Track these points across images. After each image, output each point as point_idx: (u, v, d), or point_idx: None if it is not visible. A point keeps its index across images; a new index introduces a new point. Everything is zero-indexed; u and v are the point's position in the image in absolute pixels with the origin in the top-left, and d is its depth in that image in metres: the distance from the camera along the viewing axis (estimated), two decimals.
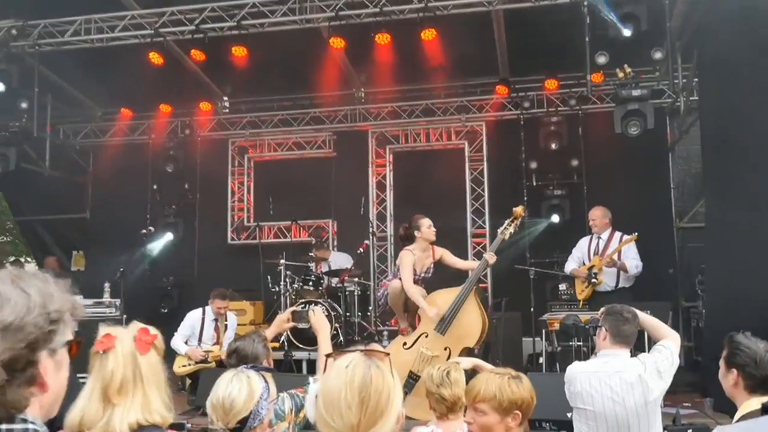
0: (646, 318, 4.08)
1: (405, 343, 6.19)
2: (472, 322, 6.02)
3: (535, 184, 10.42)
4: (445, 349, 6.04)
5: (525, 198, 10.48)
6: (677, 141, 10.14)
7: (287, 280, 9.37)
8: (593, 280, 7.27)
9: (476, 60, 10.02)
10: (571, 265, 7.81)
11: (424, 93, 10.84)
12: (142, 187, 11.53)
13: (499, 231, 6.40)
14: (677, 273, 9.89)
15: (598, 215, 7.84)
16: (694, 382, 7.32)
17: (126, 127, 11.68)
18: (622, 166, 10.01)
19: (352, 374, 1.67)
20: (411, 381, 6.00)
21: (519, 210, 6.32)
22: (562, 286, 8.22)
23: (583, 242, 7.90)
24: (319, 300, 8.90)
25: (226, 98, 11.43)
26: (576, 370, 3.89)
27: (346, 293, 9.33)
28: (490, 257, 6.20)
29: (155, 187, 11.46)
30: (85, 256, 12.06)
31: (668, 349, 3.92)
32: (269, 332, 3.92)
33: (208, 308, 7.55)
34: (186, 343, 7.44)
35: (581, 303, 7.41)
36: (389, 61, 9.72)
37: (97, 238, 11.65)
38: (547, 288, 9.92)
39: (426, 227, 6.36)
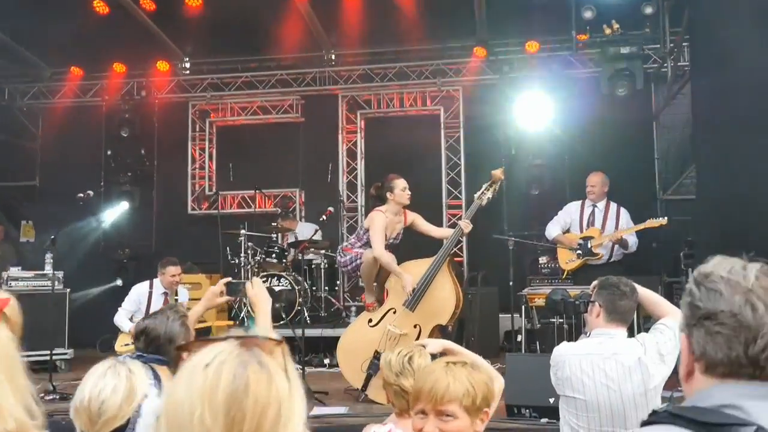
0: (646, 293, 3.54)
1: (371, 320, 5.61)
2: (444, 297, 5.45)
3: (514, 152, 9.83)
4: (415, 326, 5.47)
5: (503, 167, 9.88)
6: (662, 109, 9.61)
7: (249, 252, 8.75)
8: (591, 256, 6.63)
9: (453, 20, 9.38)
10: (554, 230, 7.07)
11: (397, 55, 10.18)
12: (96, 153, 10.75)
13: (476, 196, 5.83)
14: (660, 247, 9.42)
15: (597, 182, 7.12)
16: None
17: (77, 88, 10.86)
18: (605, 134, 9.49)
19: (215, 380, 1.04)
20: (376, 362, 5.42)
21: (498, 173, 5.75)
22: (543, 259, 7.68)
23: (573, 207, 7.22)
24: (282, 273, 8.29)
25: (187, 58, 10.64)
26: (565, 352, 3.33)
27: (312, 266, 8.73)
28: (466, 225, 5.63)
29: (109, 152, 10.68)
30: (35, 227, 11.28)
31: (671, 329, 3.37)
32: (196, 308, 3.30)
33: (156, 281, 6.88)
34: (131, 319, 6.78)
35: (565, 274, 6.81)
36: (361, 20, 9.06)
37: (48, 208, 10.87)
38: (525, 262, 9.39)
39: (400, 189, 5.72)
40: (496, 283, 8.47)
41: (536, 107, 9.68)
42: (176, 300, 6.92)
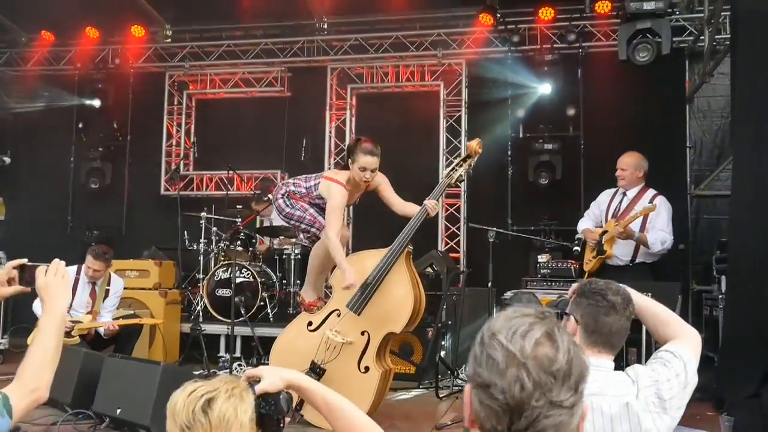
0: (647, 305, 2.40)
1: (310, 323, 4.49)
2: (399, 299, 4.31)
3: (522, 135, 8.63)
4: (363, 333, 4.34)
5: (509, 152, 8.72)
6: (697, 89, 8.29)
7: (213, 237, 7.70)
8: (603, 254, 5.40)
9: None
10: (584, 224, 5.80)
11: (394, 24, 9.03)
12: (67, 126, 9.84)
13: (444, 172, 4.67)
14: (689, 249, 8.14)
15: (629, 163, 5.73)
16: (704, 386, 5.57)
17: (50, 55, 9.94)
18: (629, 118, 8.26)
19: None
20: (313, 376, 4.30)
21: (474, 145, 4.59)
22: (542, 258, 6.45)
23: (605, 196, 5.86)
24: (244, 263, 7.21)
25: (168, 26, 9.63)
26: None
27: (284, 257, 7.65)
28: (432, 206, 4.48)
29: (80, 125, 9.74)
30: (5, 204, 10.40)
31: (680, 360, 2.22)
32: None
33: (85, 267, 5.86)
34: None
35: (585, 276, 5.56)
36: None
37: (20, 184, 10.02)
38: (530, 260, 8.21)
39: (358, 167, 4.55)
40: (500, 282, 7.34)
41: (549, 84, 8.50)
42: (107, 290, 5.89)
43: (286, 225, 7.71)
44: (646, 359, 4.06)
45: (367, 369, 4.25)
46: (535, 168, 8.46)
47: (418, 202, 9.33)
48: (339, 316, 4.39)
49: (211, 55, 9.57)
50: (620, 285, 2.34)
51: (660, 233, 5.45)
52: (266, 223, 8.16)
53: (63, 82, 9.87)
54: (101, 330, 5.57)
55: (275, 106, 9.43)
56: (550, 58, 8.47)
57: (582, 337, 2.22)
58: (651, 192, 5.69)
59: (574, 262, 6.18)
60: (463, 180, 4.70)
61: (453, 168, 4.65)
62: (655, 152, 8.19)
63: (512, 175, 8.67)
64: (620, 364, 2.30)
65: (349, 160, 4.59)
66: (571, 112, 8.45)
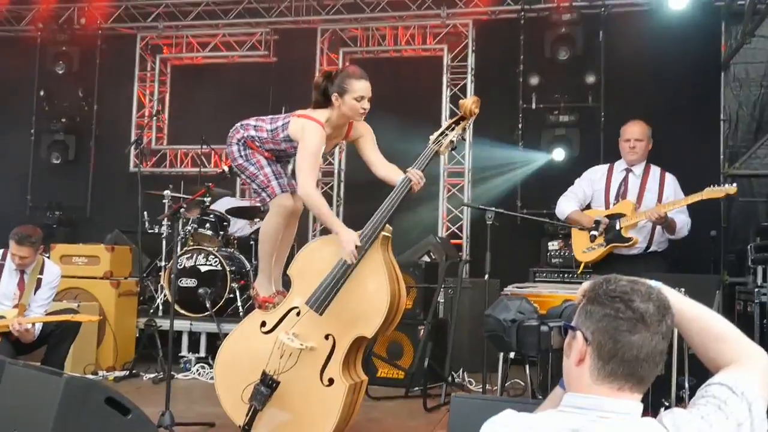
0: (693, 311, 1.61)
1: (264, 323, 3.73)
2: (371, 294, 3.54)
3: (535, 106, 7.83)
4: (327, 337, 3.58)
5: (520, 125, 7.92)
6: (734, 54, 7.45)
7: (181, 219, 6.94)
8: (620, 241, 4.57)
9: None
10: (568, 206, 4.92)
11: None
12: (27, 94, 9.12)
13: (431, 138, 3.89)
14: (720, 237, 7.35)
15: (644, 133, 4.86)
16: None
17: (8, 14, 9.19)
18: (656, 87, 7.48)
19: None
20: (264, 390, 3.56)
21: (468, 103, 3.80)
22: (554, 245, 5.67)
23: (598, 173, 5.01)
24: (210, 249, 6.48)
25: None
26: None
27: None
28: (416, 177, 3.69)
29: (42, 93, 9.02)
30: None
31: (741, 399, 1.45)
32: None
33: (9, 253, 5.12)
34: None
35: (581, 268, 4.79)
36: None
37: None
38: (541, 249, 7.45)
39: (353, 97, 3.74)
40: (504, 273, 6.61)
41: (567, 49, 7.67)
42: (39, 279, 5.14)
43: (259, 206, 7.06)
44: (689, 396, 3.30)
45: (331, 381, 3.51)
46: (549, 143, 7.67)
47: (425, 192, 8.59)
48: (298, 315, 3.65)
49: (188, 15, 8.80)
50: (652, 283, 1.55)
51: (683, 216, 4.69)
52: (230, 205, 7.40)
53: (22, 45, 9.15)
54: (13, 330, 4.82)
55: (259, 72, 8.69)
56: (569, 18, 7.66)
57: (593, 366, 1.45)
58: (657, 169, 4.91)
59: None
60: (455, 147, 3.90)
61: (442, 132, 3.86)
62: (684, 126, 7.42)
63: (522, 148, 7.88)
64: (646, 405, 1.53)
65: (334, 95, 3.77)
66: (590, 80, 7.66)
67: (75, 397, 3.20)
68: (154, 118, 8.47)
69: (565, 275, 5.27)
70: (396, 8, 8.23)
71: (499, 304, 1.77)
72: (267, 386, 3.56)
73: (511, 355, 4.70)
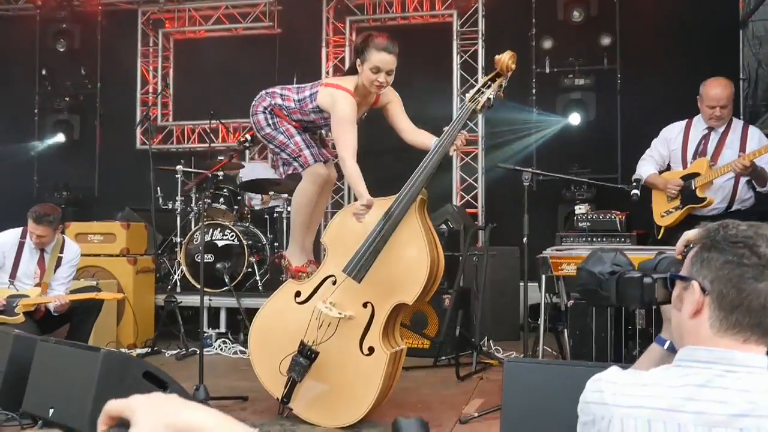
0: None
1: (298, 294, 3.65)
2: (411, 260, 3.46)
3: (548, 70, 7.71)
4: (365, 305, 3.51)
5: (534, 90, 7.80)
6: (753, 11, 7.30)
7: (194, 194, 6.85)
8: (695, 202, 4.43)
9: None
10: (646, 169, 4.78)
11: None
12: (29, 74, 8.96)
13: (467, 96, 3.78)
14: None
15: (728, 98, 4.53)
16: None
17: None
18: (673, 47, 7.37)
19: None
20: (302, 361, 3.49)
21: (505, 58, 3.68)
22: (581, 209, 5.57)
23: (675, 130, 4.77)
24: (227, 223, 6.39)
25: None
26: (613, 396, 1.33)
27: (275, 216, 6.82)
28: (457, 137, 3.60)
29: (44, 72, 8.86)
30: None
31: None
32: None
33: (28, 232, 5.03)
34: None
35: (661, 233, 4.65)
36: None
37: None
38: (559, 214, 7.37)
39: (369, 68, 3.63)
40: (520, 241, 6.52)
41: (581, 11, 7.53)
42: (59, 258, 5.07)
43: (275, 179, 6.96)
44: None
45: (371, 350, 3.44)
46: (564, 107, 7.56)
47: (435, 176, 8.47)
48: (335, 284, 3.57)
49: None
50: None
51: None
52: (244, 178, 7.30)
53: (22, 24, 8.98)
54: (51, 306, 4.78)
55: (264, 44, 8.53)
56: None
57: (714, 317, 1.35)
58: (738, 122, 4.73)
59: (619, 213, 5.33)
60: (491, 106, 3.80)
61: (478, 90, 3.75)
62: (699, 85, 7.29)
63: (537, 111, 7.75)
64: None
65: (357, 61, 3.68)
66: (605, 41, 7.51)
67: (113, 372, 3.15)
68: (159, 95, 8.30)
69: (594, 239, 5.19)
70: None
71: (592, 256, 1.68)
72: (306, 357, 3.49)
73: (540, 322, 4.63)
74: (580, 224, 5.36)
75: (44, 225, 4.82)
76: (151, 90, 8.87)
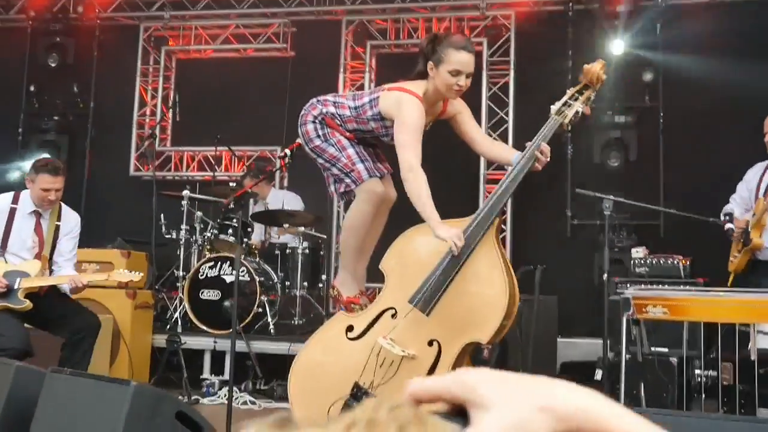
0: None
1: (351, 328, 3.33)
2: (488, 291, 3.16)
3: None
4: (431, 343, 3.18)
5: (569, 127, 7.59)
6: None
7: (199, 225, 6.56)
8: (749, 241, 4.28)
9: None
10: (732, 207, 4.76)
11: None
12: (15, 89, 8.68)
13: (553, 108, 3.55)
14: None
15: None
16: None
17: None
18: (722, 85, 7.20)
19: None
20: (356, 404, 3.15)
21: (597, 68, 3.44)
22: (638, 252, 5.32)
23: (751, 172, 4.78)
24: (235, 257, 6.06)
25: None
26: None
27: (287, 251, 6.53)
28: (542, 151, 3.35)
29: (32, 88, 8.58)
30: None
31: None
32: None
33: (24, 194, 4.57)
34: None
35: (731, 279, 4.46)
36: None
37: None
38: (595, 262, 7.13)
39: (447, 70, 3.34)
40: (551, 287, 6.30)
41: (621, 42, 7.44)
42: (57, 226, 4.68)
43: (290, 210, 6.67)
44: None
45: None
46: (603, 147, 7.37)
47: (455, 184, 8.22)
48: (394, 317, 3.25)
49: (196, 4, 8.43)
50: None
51: None
52: (260, 208, 7.01)
53: (11, 35, 8.73)
54: (65, 287, 4.45)
55: (275, 67, 8.30)
56: (624, 9, 7.44)
57: None
58: None
59: (682, 257, 5.08)
60: (575, 121, 3.57)
61: (565, 102, 3.52)
62: (758, 126, 7.19)
63: (572, 156, 7.55)
64: None
65: (429, 63, 3.43)
66: (647, 77, 7.40)
67: (144, 410, 2.79)
68: (173, 111, 8.01)
69: (654, 287, 4.94)
70: None
71: None
72: (359, 399, 3.16)
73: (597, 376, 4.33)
74: (637, 269, 5.10)
75: (61, 176, 4.49)
76: (148, 111, 8.61)
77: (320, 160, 3.66)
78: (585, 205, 7.43)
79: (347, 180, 3.56)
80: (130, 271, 4.67)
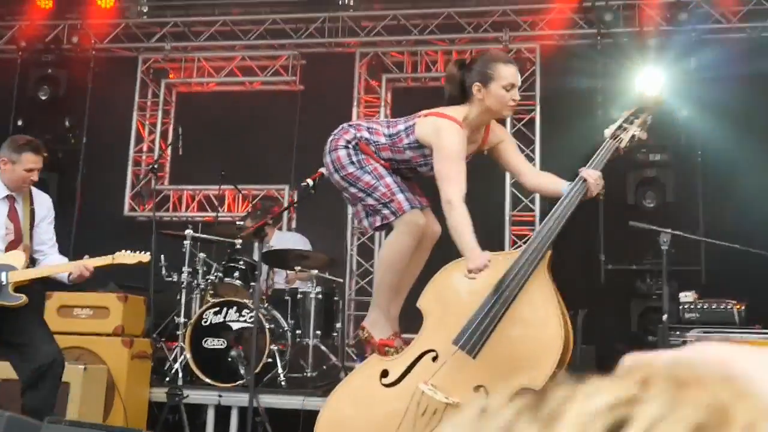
0: None
1: (386, 373, 3.14)
2: (541, 330, 2.98)
3: None
4: (478, 389, 3.00)
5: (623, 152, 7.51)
6: None
7: (199, 267, 6.38)
8: None
9: None
10: None
11: None
12: (3, 124, 8.59)
13: (607, 132, 3.44)
14: None
15: None
16: None
17: None
18: (758, 121, 7.18)
19: None
20: None
21: (653, 92, 3.36)
22: (687, 296, 5.14)
23: None
24: (245, 301, 5.89)
25: None
26: None
27: (298, 297, 6.35)
28: (592, 177, 3.24)
29: (20, 123, 8.48)
30: None
31: None
32: None
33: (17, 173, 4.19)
34: None
35: None
36: None
37: None
38: (632, 310, 6.99)
39: (501, 85, 3.25)
40: (589, 335, 6.16)
41: (654, 80, 7.37)
42: (32, 210, 4.47)
43: (302, 251, 6.52)
44: None
45: None
46: (637, 187, 7.23)
47: (480, 226, 8.12)
48: (435, 360, 3.06)
49: (200, 36, 8.36)
50: None
51: None
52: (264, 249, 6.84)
53: (3, 67, 8.69)
54: (62, 276, 4.19)
55: (283, 101, 8.21)
56: (655, 43, 7.41)
57: None
58: None
59: (736, 303, 4.91)
60: (631, 145, 3.47)
61: (620, 126, 3.41)
62: None
63: (605, 196, 7.44)
64: None
65: (476, 85, 3.26)
66: (683, 113, 7.33)
67: None
68: (172, 144, 7.90)
69: (714, 330, 4.76)
70: (448, 30, 7.85)
71: None
72: None
73: None
74: (686, 315, 4.92)
75: (42, 153, 4.25)
76: (145, 148, 8.50)
77: (353, 189, 3.47)
78: (621, 250, 7.33)
79: (385, 211, 3.38)
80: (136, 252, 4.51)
